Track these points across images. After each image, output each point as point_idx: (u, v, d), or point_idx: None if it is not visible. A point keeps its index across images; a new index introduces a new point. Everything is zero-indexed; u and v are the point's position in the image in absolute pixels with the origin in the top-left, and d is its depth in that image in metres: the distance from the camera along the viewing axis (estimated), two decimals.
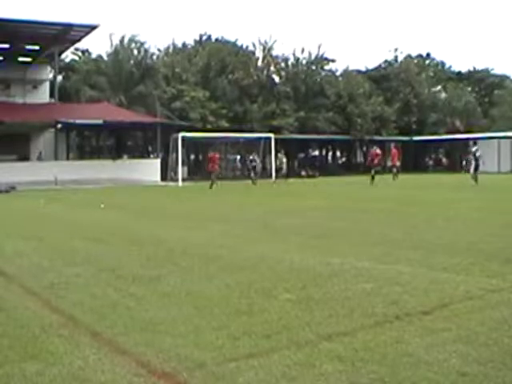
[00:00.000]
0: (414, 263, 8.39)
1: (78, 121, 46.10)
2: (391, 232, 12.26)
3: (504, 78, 76.19)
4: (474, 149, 32.75)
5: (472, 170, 31.36)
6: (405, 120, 67.47)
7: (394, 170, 40.24)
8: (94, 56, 61.23)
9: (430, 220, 14.61)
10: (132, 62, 56.73)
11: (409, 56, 74.27)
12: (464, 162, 34.01)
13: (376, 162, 36.90)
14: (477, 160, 31.08)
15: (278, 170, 45.79)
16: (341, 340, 4.97)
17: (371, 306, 6.02)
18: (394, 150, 43.40)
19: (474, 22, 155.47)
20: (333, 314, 5.77)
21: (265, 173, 47.84)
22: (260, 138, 48.71)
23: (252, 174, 40.76)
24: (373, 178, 34.86)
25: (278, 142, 48.94)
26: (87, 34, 48.67)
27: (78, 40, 51.10)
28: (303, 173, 54.83)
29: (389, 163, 47.80)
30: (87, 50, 62.32)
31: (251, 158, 43.06)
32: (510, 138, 57.44)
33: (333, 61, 65.91)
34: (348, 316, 5.69)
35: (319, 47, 63.93)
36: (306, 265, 8.45)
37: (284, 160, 48.14)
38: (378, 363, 4.38)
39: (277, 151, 47.39)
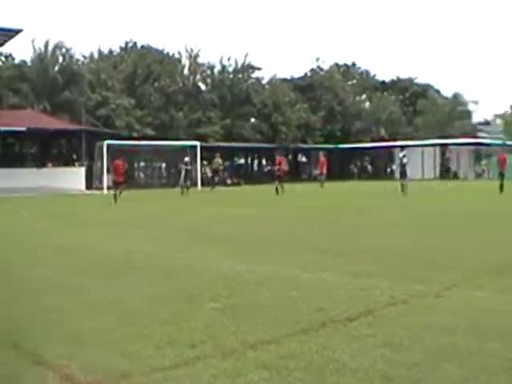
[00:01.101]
0: (340, 270, 8.47)
1: (0, 128, 44.97)
2: (318, 239, 12.38)
3: (427, 87, 77.81)
4: (400, 155, 32.18)
5: (399, 176, 30.67)
6: (329, 128, 68.20)
7: (321, 177, 40.50)
8: (17, 61, 59.87)
9: (356, 227, 14.82)
10: (57, 68, 55.69)
11: (335, 64, 75.23)
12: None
13: (280, 170, 34.43)
14: (403, 166, 30.21)
15: (214, 174, 43.64)
16: (266, 348, 4.97)
17: (297, 314, 6.05)
18: (322, 159, 43.33)
19: (398, 31, 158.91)
20: (258, 322, 5.77)
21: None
22: (186, 146, 48.52)
23: (185, 181, 36.15)
24: (277, 189, 32.12)
25: (204, 150, 48.83)
26: (10, 38, 47.42)
27: (1, 44, 49.85)
28: (228, 181, 54.79)
29: (316, 171, 47.85)
30: (10, 55, 60.95)
31: (186, 160, 37.72)
32: (433, 146, 59.27)
33: (259, 69, 66.18)
34: (274, 324, 5.70)
35: (246, 55, 64.28)
36: (233, 272, 8.44)
37: (221, 162, 44.75)
38: (304, 370, 4.39)
39: (202, 158, 46.74)
